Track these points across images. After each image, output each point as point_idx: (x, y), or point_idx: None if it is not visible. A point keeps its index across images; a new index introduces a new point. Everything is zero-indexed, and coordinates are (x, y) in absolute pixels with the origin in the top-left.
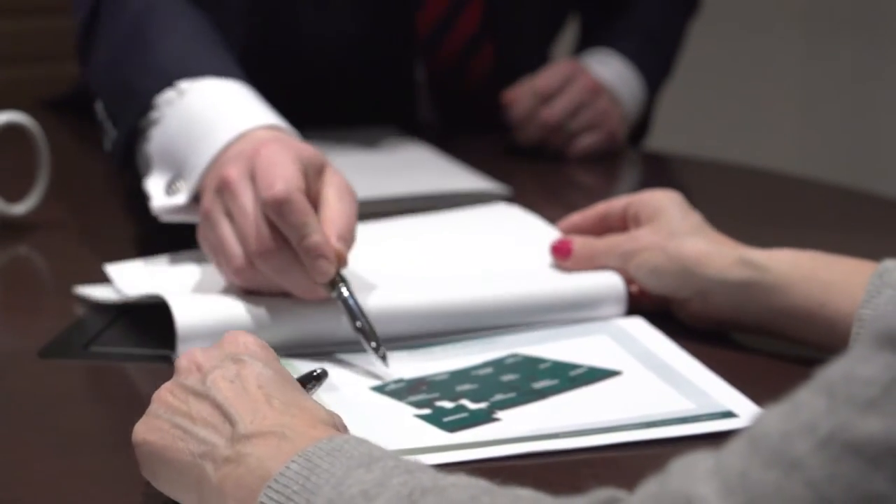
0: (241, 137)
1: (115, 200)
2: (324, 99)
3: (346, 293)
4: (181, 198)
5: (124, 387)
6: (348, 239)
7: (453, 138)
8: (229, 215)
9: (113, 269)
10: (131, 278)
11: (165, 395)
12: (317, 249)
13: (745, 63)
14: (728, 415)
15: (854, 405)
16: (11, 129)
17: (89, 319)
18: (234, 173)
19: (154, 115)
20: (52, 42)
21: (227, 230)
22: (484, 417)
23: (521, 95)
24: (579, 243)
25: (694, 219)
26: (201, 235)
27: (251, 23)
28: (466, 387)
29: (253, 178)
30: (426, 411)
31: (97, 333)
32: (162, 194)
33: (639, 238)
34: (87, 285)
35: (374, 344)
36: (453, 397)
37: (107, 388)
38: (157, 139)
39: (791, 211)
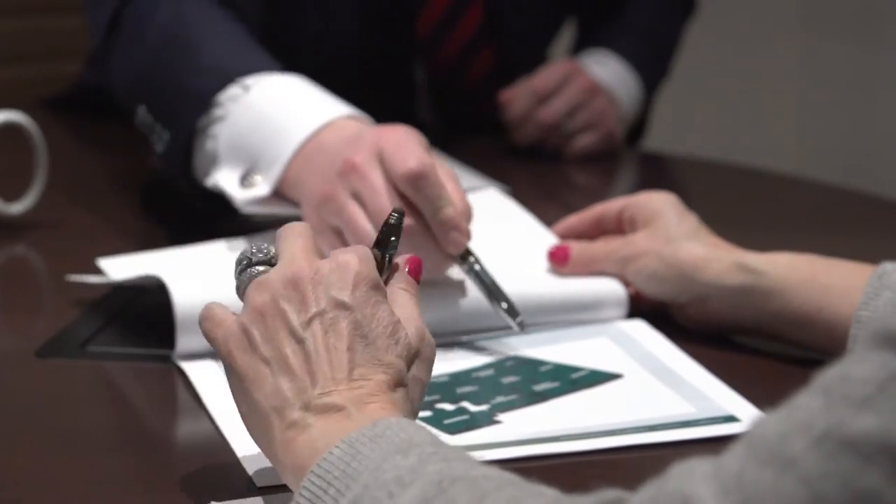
0: (326, 127)
1: (112, 199)
2: None
3: (478, 266)
4: (263, 188)
5: (121, 386)
6: (468, 215)
7: (452, 138)
8: (356, 197)
9: (106, 263)
10: (125, 269)
11: (266, 311)
12: (451, 221)
13: (743, 63)
14: (729, 419)
15: (849, 403)
16: (9, 128)
17: (86, 319)
18: (361, 156)
19: (217, 112)
20: (52, 42)
21: (356, 210)
22: (485, 420)
23: (518, 95)
24: (577, 249)
25: (690, 222)
26: (318, 219)
27: (256, 23)
28: (467, 389)
29: (381, 159)
30: (427, 414)
31: (94, 333)
32: (237, 187)
33: (635, 243)
34: (81, 275)
35: (505, 305)
36: (454, 399)
37: (103, 388)
38: (225, 135)
39: (789, 211)
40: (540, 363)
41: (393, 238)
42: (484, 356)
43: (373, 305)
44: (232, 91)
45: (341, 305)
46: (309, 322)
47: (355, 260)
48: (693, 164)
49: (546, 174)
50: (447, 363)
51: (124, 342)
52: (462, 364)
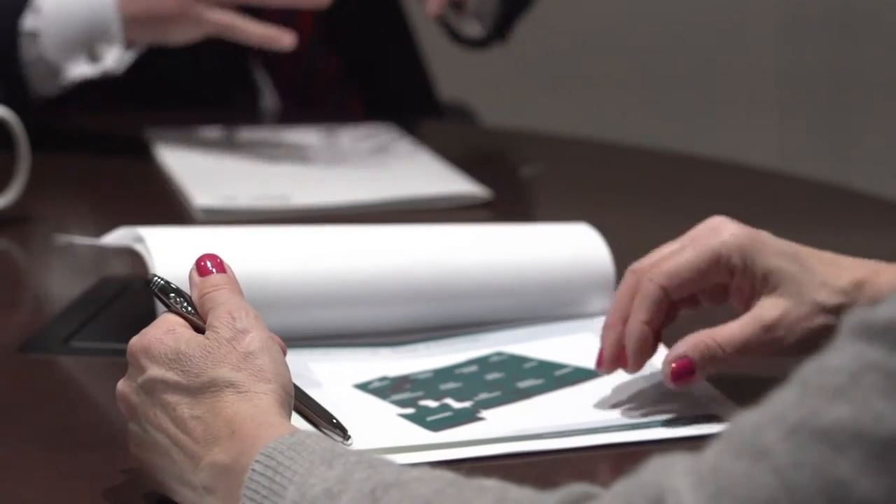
0: None
1: (95, 193)
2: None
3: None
4: (115, 52)
5: (105, 382)
6: None
7: (427, 139)
8: None
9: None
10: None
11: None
12: None
13: (724, 58)
14: (711, 418)
15: (822, 393)
16: None
17: (70, 314)
18: None
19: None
20: None
21: None
22: (468, 417)
23: None
24: (705, 356)
25: (805, 260)
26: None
27: None
28: (451, 385)
29: None
30: (410, 411)
31: (77, 328)
32: (89, 69)
33: (780, 313)
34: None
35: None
36: (437, 396)
37: (87, 384)
38: (48, 45)
39: (771, 206)
40: (524, 360)
41: (172, 294)
42: (468, 352)
43: (176, 360)
44: (28, 21)
45: (150, 393)
46: (141, 423)
47: (152, 351)
48: (674, 159)
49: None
50: (431, 359)
51: (108, 338)
52: (446, 360)
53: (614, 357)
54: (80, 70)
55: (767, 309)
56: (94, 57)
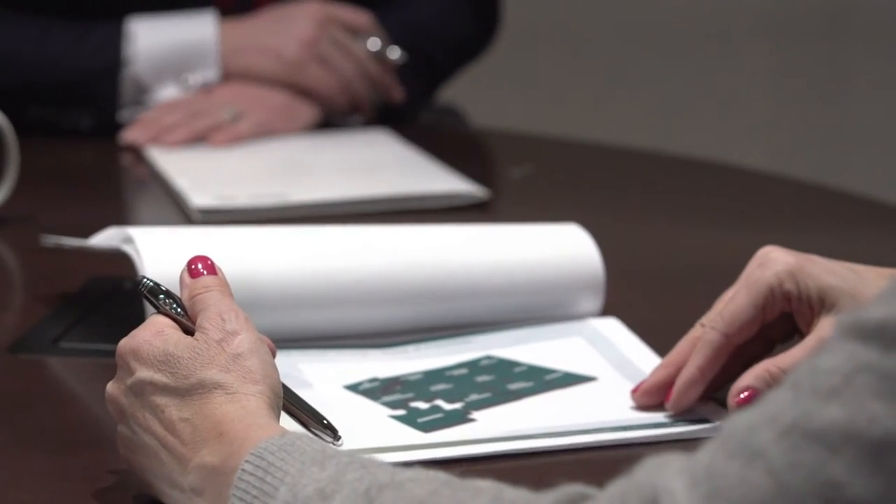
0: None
1: (84, 194)
2: None
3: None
4: (209, 74)
5: (94, 383)
6: None
7: (418, 140)
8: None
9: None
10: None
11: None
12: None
13: (715, 60)
14: (701, 421)
15: (816, 394)
16: None
17: (59, 315)
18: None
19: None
20: None
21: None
22: (459, 418)
23: None
24: (766, 382)
25: (861, 274)
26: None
27: None
28: (441, 387)
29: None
30: (401, 412)
31: (67, 329)
32: (178, 93)
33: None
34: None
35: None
36: (428, 397)
37: (76, 384)
38: (142, 67)
39: (760, 207)
40: (514, 364)
41: (161, 296)
42: (458, 355)
43: (166, 362)
44: (125, 48)
45: (140, 396)
46: (131, 425)
47: (141, 354)
48: (665, 160)
49: (523, 178)
50: (421, 361)
51: (97, 339)
52: (436, 362)
53: (652, 390)
54: (167, 93)
55: (827, 328)
56: (181, 82)
